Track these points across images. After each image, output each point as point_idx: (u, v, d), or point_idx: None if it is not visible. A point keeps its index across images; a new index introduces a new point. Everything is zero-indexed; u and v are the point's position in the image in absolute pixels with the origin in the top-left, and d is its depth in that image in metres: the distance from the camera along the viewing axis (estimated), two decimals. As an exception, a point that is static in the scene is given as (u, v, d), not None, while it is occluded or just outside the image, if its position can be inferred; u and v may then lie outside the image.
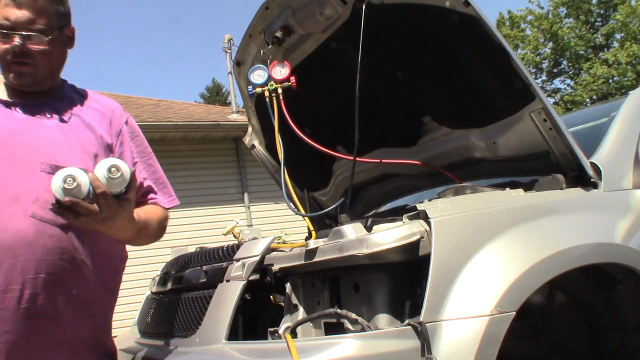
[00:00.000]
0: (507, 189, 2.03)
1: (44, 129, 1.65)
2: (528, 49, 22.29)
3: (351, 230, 1.76)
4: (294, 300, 1.94)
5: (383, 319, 1.68)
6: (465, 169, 2.66)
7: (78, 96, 1.80)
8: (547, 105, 2.06)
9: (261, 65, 2.35)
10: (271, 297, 2.19)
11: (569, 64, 22.86)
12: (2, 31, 1.57)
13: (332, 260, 1.76)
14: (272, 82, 2.30)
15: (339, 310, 1.69)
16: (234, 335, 1.93)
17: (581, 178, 2.07)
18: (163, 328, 2.26)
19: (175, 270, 2.42)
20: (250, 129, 3.03)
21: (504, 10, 32.31)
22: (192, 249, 2.57)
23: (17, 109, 1.67)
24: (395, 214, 2.12)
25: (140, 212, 1.62)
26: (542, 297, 2.10)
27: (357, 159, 2.18)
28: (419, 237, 1.67)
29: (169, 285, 2.36)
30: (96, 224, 1.43)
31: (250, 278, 1.92)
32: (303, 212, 2.33)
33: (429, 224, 1.69)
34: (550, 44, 22.51)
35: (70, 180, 1.32)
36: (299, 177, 2.96)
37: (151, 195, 1.80)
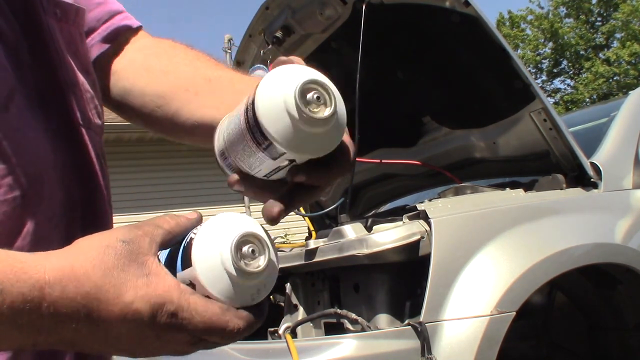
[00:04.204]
0: (507, 189, 2.03)
1: None
2: (528, 49, 22.29)
3: (351, 230, 1.76)
4: (294, 300, 1.94)
5: (383, 319, 1.68)
6: (465, 169, 2.66)
7: None
8: (547, 105, 2.06)
9: (261, 65, 2.35)
10: (271, 297, 2.19)
11: (569, 64, 22.87)
12: None
13: (332, 261, 1.76)
14: (272, 82, 2.30)
15: (339, 310, 1.69)
16: (234, 335, 1.92)
17: (581, 178, 2.07)
18: (163, 328, 2.25)
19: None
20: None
21: (504, 10, 32.35)
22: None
23: None
24: (395, 214, 2.12)
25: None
26: (542, 297, 2.10)
27: (357, 159, 2.18)
28: (419, 237, 1.67)
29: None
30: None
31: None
32: (303, 212, 2.33)
33: (429, 224, 1.69)
34: (551, 44, 22.52)
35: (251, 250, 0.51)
36: (299, 177, 2.95)
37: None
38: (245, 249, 0.51)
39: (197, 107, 0.73)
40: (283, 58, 0.58)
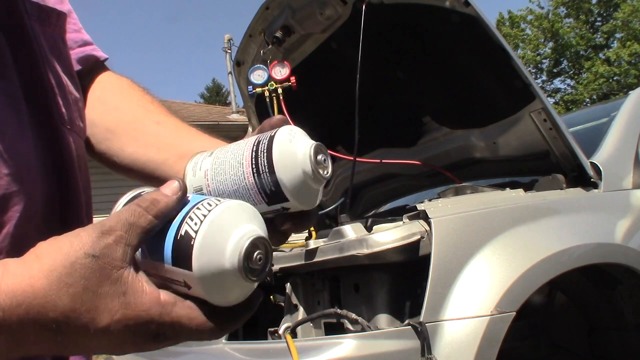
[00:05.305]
0: (507, 189, 2.03)
1: None
2: (528, 49, 22.30)
3: (351, 230, 1.76)
4: (294, 300, 1.94)
5: (383, 319, 1.68)
6: (465, 169, 2.66)
7: None
8: (547, 105, 2.06)
9: (261, 65, 2.35)
10: (271, 297, 2.19)
11: (569, 64, 22.87)
12: None
13: (332, 261, 1.76)
14: (272, 82, 2.30)
15: (339, 310, 1.69)
16: (234, 335, 1.93)
17: (581, 178, 2.07)
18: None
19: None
20: (250, 129, 3.03)
21: (504, 10, 32.34)
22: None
23: None
24: (395, 214, 2.12)
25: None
26: (542, 297, 2.10)
27: (357, 159, 2.18)
28: (419, 237, 1.67)
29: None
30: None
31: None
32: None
33: (429, 224, 1.69)
34: (551, 44, 22.52)
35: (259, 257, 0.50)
36: (299, 177, 2.95)
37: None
38: (254, 256, 0.48)
39: (141, 146, 0.76)
40: (273, 120, 0.61)
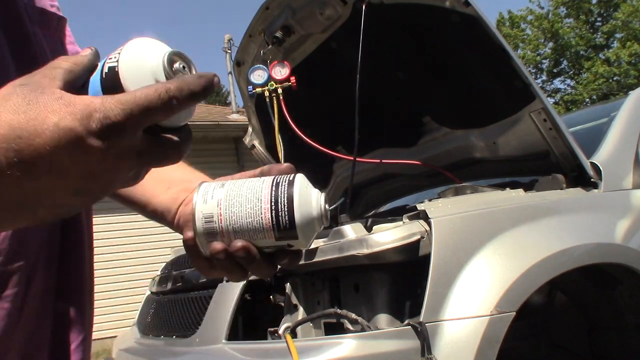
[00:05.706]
0: (507, 189, 2.03)
1: None
2: (528, 49, 22.30)
3: (351, 230, 1.76)
4: (294, 300, 1.94)
5: (383, 319, 1.68)
6: (465, 169, 2.66)
7: None
8: (547, 105, 2.06)
9: (261, 65, 2.35)
10: (271, 297, 2.19)
11: (569, 64, 22.87)
12: None
13: (332, 260, 1.76)
14: (272, 82, 2.30)
15: (339, 310, 1.69)
16: (234, 335, 1.93)
17: (581, 178, 2.07)
18: (163, 328, 2.26)
19: (175, 270, 2.41)
20: (250, 129, 3.03)
21: (504, 10, 32.35)
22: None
23: None
24: (395, 214, 2.11)
25: None
26: (542, 297, 2.10)
27: (357, 159, 2.18)
28: (419, 237, 1.67)
29: (169, 285, 2.36)
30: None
31: (250, 278, 1.92)
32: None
33: (429, 224, 1.69)
34: (551, 44, 22.53)
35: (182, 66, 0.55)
36: (299, 177, 2.95)
37: None
38: (176, 65, 0.52)
39: None
40: (282, 167, 0.65)
